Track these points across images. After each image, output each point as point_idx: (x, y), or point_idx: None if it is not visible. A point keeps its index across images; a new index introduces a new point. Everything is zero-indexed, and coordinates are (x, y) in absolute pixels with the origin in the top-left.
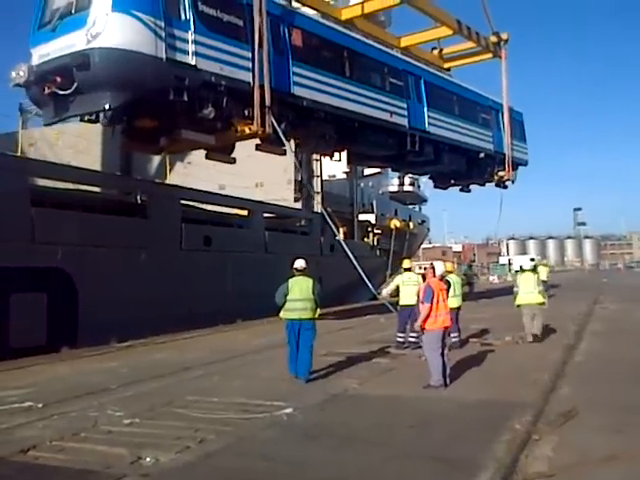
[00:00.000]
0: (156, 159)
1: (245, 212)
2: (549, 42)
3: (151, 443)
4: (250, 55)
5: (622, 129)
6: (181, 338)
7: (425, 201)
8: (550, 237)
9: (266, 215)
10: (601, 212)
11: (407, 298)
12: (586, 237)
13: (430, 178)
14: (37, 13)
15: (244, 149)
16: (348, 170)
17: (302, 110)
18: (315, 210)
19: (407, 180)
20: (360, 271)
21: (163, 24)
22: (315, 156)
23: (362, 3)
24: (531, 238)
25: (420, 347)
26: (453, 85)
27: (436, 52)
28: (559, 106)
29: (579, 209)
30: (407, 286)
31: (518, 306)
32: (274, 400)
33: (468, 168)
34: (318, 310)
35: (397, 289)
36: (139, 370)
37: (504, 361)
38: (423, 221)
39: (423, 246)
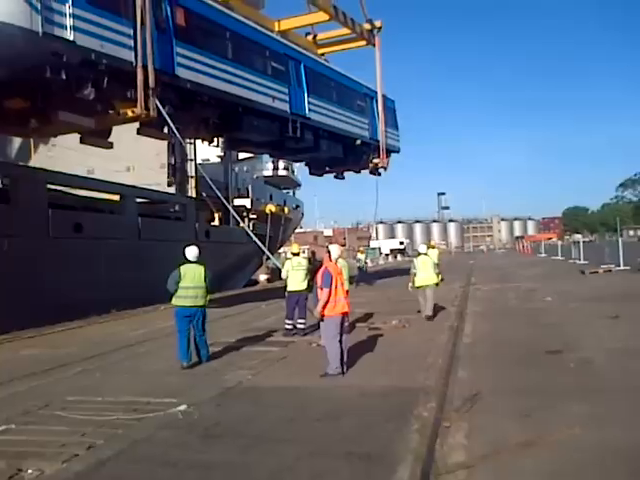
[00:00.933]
0: (16, 140)
1: (117, 197)
2: (412, 30)
3: (32, 452)
4: (132, 33)
5: (482, 112)
6: (51, 332)
7: (299, 185)
8: (417, 221)
9: (139, 200)
10: (464, 196)
11: (295, 284)
12: (450, 220)
13: (306, 165)
14: None
15: (115, 131)
16: (222, 154)
17: (185, 93)
18: (189, 195)
19: (281, 164)
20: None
21: None
22: (189, 139)
23: None
24: (399, 222)
25: (307, 333)
26: (331, 71)
27: (310, 37)
28: (420, 90)
29: (443, 193)
30: (296, 271)
31: (417, 287)
32: (164, 396)
33: (344, 155)
34: (208, 297)
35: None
36: (9, 368)
37: (395, 345)
38: (297, 206)
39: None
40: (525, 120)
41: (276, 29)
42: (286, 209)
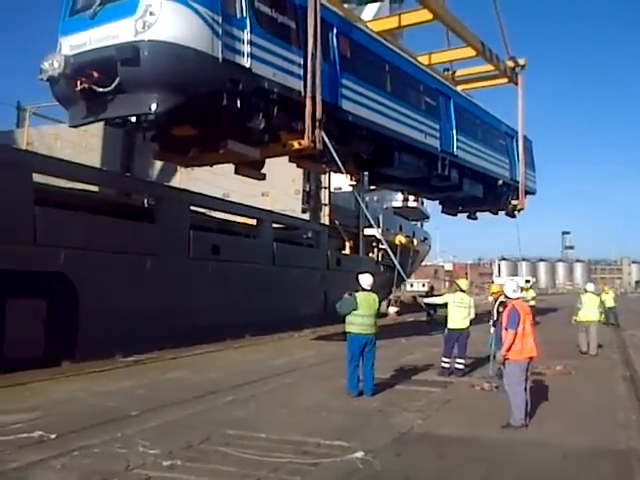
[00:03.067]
0: (158, 164)
1: (252, 221)
2: (548, 65)
3: None
4: (302, 62)
5: (611, 153)
6: (192, 354)
7: (427, 218)
8: (541, 259)
9: (274, 226)
10: (589, 236)
11: (456, 321)
12: (577, 260)
13: (440, 203)
14: None
15: None
16: (354, 183)
17: (345, 125)
18: (322, 222)
19: (411, 196)
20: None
21: (220, 19)
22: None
23: (399, 15)
24: (523, 259)
25: (465, 374)
26: (475, 108)
27: (449, 74)
28: (549, 129)
29: (567, 232)
30: (458, 308)
31: (579, 322)
32: (333, 438)
33: (484, 195)
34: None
35: (444, 308)
36: (158, 392)
37: (570, 395)
38: (425, 238)
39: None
40: None
41: (425, 63)
42: (415, 241)
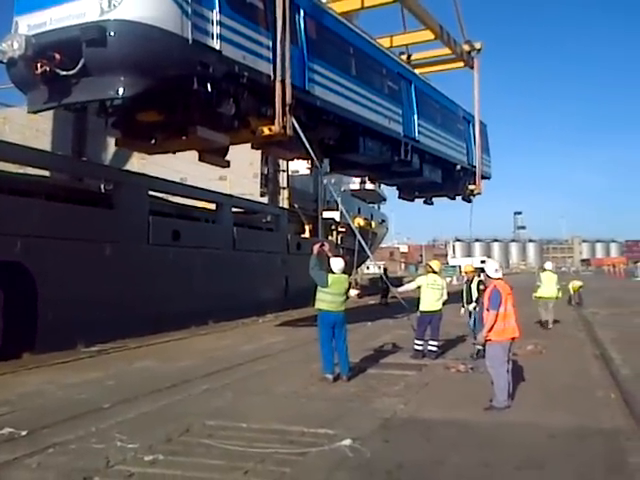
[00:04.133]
0: (112, 147)
1: (211, 206)
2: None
3: None
4: (271, 44)
5: (561, 128)
6: (157, 342)
7: (384, 200)
8: (495, 240)
9: (233, 210)
10: (542, 216)
11: (429, 304)
12: (530, 240)
13: (397, 188)
14: None
15: None
16: (311, 166)
17: (312, 111)
18: (281, 206)
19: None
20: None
21: None
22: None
23: None
24: (477, 240)
25: (438, 356)
26: (435, 92)
27: (404, 57)
28: (499, 111)
29: (519, 213)
30: (432, 289)
31: (539, 298)
32: (317, 426)
33: (442, 180)
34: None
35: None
36: (127, 383)
37: (546, 375)
38: (383, 220)
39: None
40: (607, 138)
41: (385, 45)
42: (373, 223)
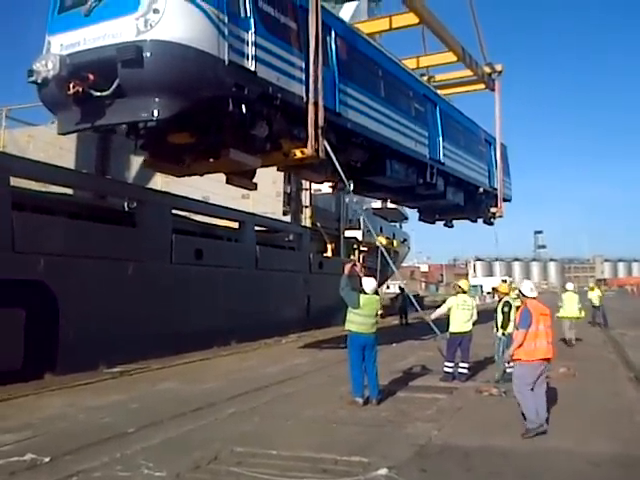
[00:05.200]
0: (135, 165)
1: (234, 224)
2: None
3: None
4: (303, 65)
5: (578, 152)
6: (179, 363)
7: (406, 219)
8: (516, 259)
9: (255, 228)
10: (562, 234)
11: (459, 325)
12: (551, 260)
13: (418, 210)
14: None
15: None
16: (334, 185)
17: (342, 133)
18: (304, 224)
19: None
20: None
21: (226, 19)
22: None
23: (390, 17)
24: (497, 260)
25: (468, 378)
26: (458, 114)
27: (425, 78)
28: (517, 126)
29: (540, 232)
30: (462, 310)
31: (561, 318)
32: (349, 453)
33: (464, 203)
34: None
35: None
36: (152, 406)
37: (581, 398)
38: (405, 239)
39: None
40: (633, 151)
41: (411, 67)
42: (395, 242)
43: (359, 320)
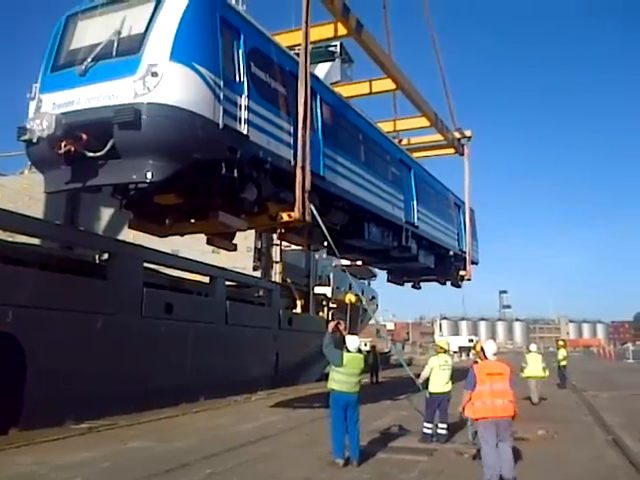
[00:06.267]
0: (105, 216)
1: (203, 279)
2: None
3: None
4: (292, 129)
5: (544, 217)
6: (149, 420)
7: (375, 276)
8: (482, 319)
9: (226, 283)
10: (527, 295)
11: (438, 385)
12: (517, 319)
13: (387, 272)
14: (53, 50)
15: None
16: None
17: (326, 196)
18: (274, 280)
19: None
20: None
21: (222, 83)
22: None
23: (370, 82)
24: (463, 319)
25: (448, 440)
26: (430, 178)
27: (396, 142)
28: (483, 194)
29: (505, 292)
30: (443, 370)
31: (527, 377)
32: None
33: (434, 265)
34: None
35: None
36: (124, 465)
37: (562, 463)
38: (373, 297)
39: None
40: (589, 222)
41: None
42: (364, 299)
43: (342, 379)
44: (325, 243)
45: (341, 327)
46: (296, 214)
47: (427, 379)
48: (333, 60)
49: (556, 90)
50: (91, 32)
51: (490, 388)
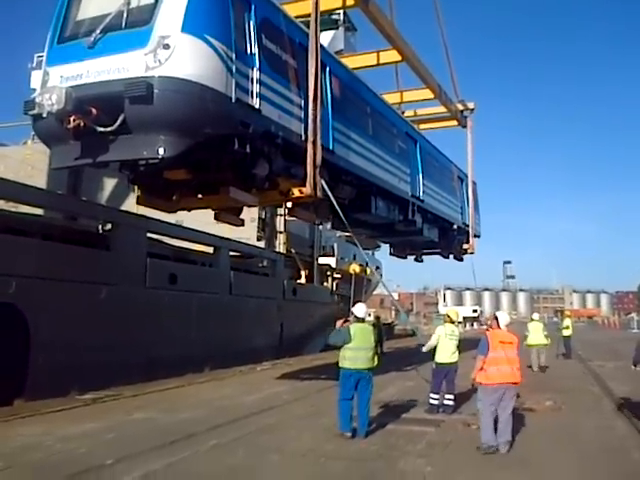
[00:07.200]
0: (108, 186)
1: (207, 249)
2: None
3: None
4: (302, 103)
5: (547, 185)
6: (153, 390)
7: (379, 246)
8: (486, 289)
9: (230, 254)
10: (531, 265)
11: (445, 355)
12: (521, 290)
13: (390, 245)
14: (59, 20)
15: None
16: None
17: (334, 171)
18: (278, 250)
19: None
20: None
21: (234, 56)
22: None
23: (377, 53)
24: (467, 289)
25: (455, 410)
26: (435, 151)
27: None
28: (486, 165)
29: (509, 262)
30: (449, 340)
31: (529, 346)
32: None
33: (438, 239)
34: (376, 358)
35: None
36: (129, 436)
37: (572, 433)
38: (377, 267)
39: None
40: (593, 193)
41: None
42: (368, 270)
43: (352, 355)
44: (330, 217)
45: (348, 324)
46: (307, 189)
47: (434, 349)
48: (337, 28)
49: (560, 60)
50: (99, 1)
51: (505, 355)
